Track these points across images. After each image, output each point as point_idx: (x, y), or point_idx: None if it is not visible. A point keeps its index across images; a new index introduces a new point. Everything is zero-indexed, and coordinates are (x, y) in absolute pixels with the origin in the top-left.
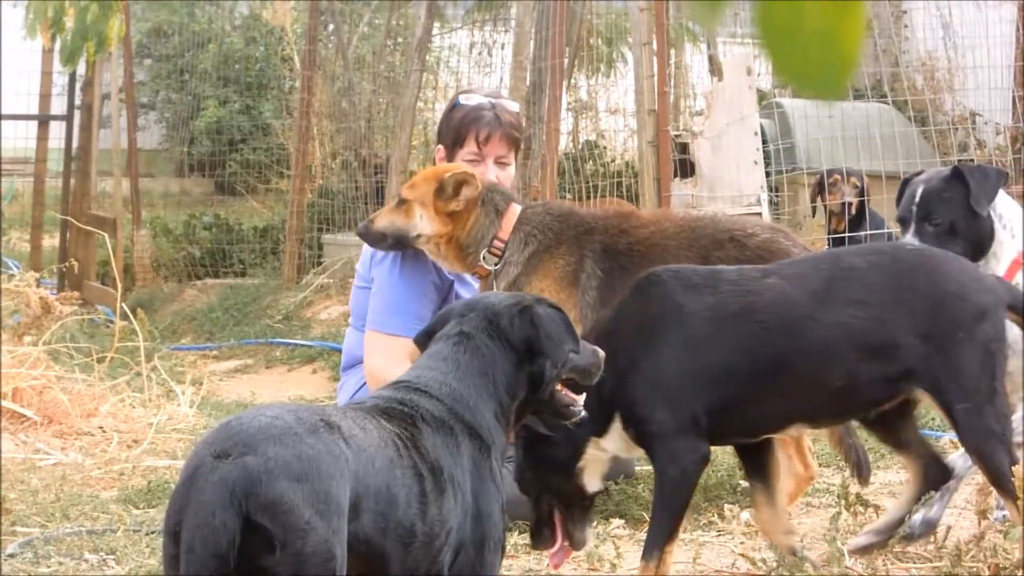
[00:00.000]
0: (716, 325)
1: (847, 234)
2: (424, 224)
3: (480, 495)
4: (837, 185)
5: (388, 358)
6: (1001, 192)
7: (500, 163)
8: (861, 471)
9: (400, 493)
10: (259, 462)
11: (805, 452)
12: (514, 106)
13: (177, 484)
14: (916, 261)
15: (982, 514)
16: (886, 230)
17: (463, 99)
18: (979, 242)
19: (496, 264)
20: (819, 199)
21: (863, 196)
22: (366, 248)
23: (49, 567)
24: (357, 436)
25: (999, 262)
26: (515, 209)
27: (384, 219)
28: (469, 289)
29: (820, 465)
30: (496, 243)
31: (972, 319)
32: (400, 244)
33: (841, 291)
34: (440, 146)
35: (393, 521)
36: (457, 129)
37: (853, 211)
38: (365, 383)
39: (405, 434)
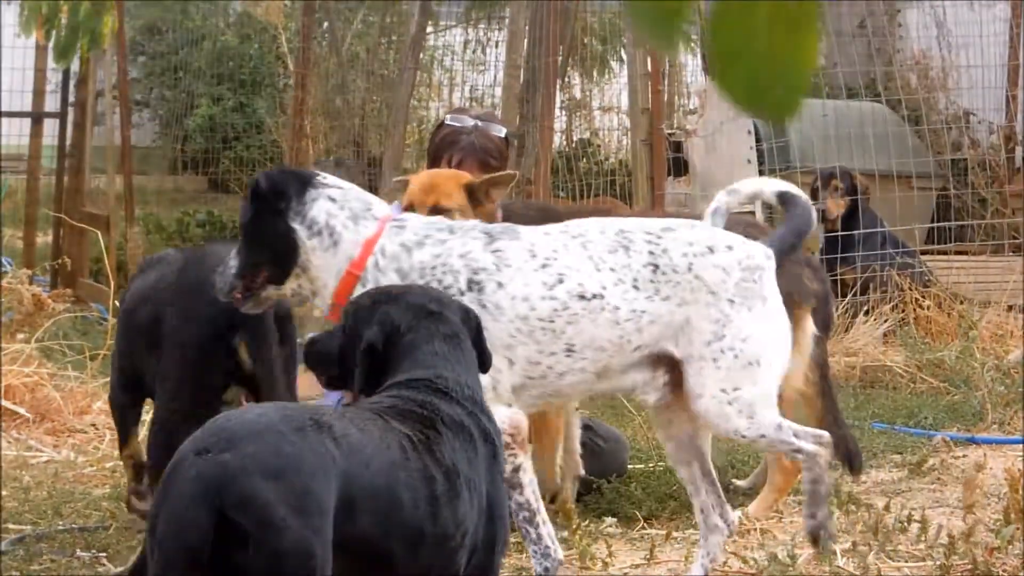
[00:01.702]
0: (125, 301)
1: (841, 232)
2: None
3: (493, 498)
4: (829, 186)
5: None
6: (313, 193)
7: None
8: (852, 463)
9: (404, 495)
10: (236, 458)
11: None
12: (499, 130)
13: (160, 480)
14: (180, 257)
15: (970, 510)
16: (880, 228)
17: (449, 119)
18: (277, 258)
19: None
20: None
21: (855, 195)
22: None
23: (41, 564)
24: (351, 436)
25: (320, 273)
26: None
27: None
28: None
29: None
30: None
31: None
32: None
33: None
34: (426, 160)
35: (397, 523)
36: (436, 150)
37: (840, 212)
38: None
39: (418, 436)
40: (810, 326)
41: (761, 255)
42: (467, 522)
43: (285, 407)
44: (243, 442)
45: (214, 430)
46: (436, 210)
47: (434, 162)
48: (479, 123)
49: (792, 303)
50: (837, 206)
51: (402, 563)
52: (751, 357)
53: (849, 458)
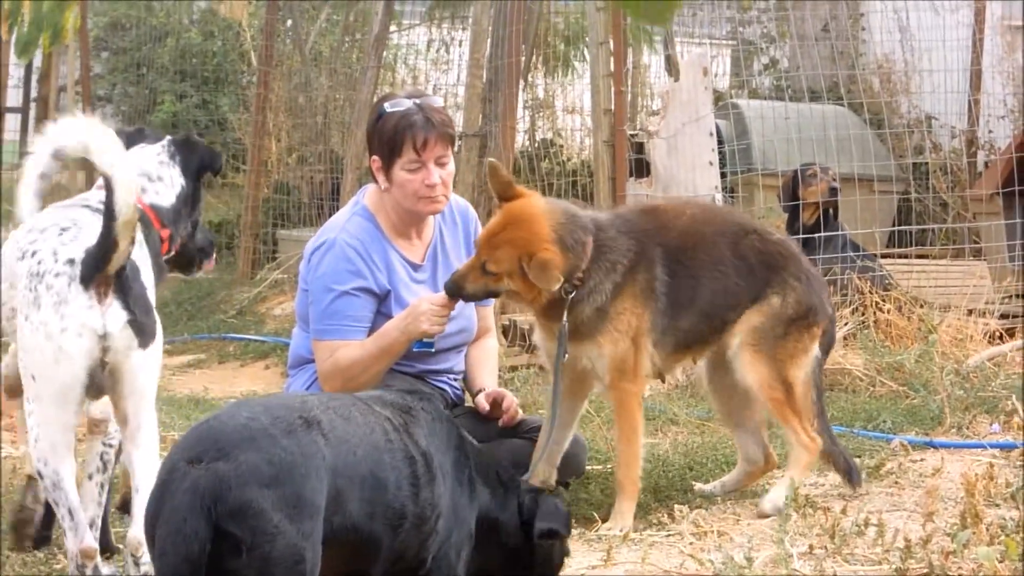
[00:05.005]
0: None
1: (802, 235)
2: (513, 288)
3: (457, 500)
4: (816, 176)
5: (330, 363)
6: None
7: (440, 164)
8: (851, 476)
9: (389, 477)
10: (229, 468)
11: (769, 449)
12: (438, 101)
13: (152, 488)
14: None
15: (929, 516)
16: (840, 232)
17: (388, 107)
18: None
19: (571, 292)
20: (785, 195)
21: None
22: (305, 251)
23: None
24: (338, 428)
25: None
26: (591, 241)
27: (475, 285)
28: (410, 292)
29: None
30: (578, 275)
31: None
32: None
33: None
34: (375, 156)
35: (381, 505)
36: (391, 140)
37: (824, 197)
38: (311, 383)
39: (398, 420)
40: (815, 345)
41: (60, 262)
42: (440, 506)
43: (273, 407)
44: (236, 450)
45: (203, 436)
46: (485, 268)
47: (393, 151)
48: (418, 101)
49: (815, 320)
50: (820, 189)
51: (384, 544)
52: (27, 370)
53: (848, 472)
